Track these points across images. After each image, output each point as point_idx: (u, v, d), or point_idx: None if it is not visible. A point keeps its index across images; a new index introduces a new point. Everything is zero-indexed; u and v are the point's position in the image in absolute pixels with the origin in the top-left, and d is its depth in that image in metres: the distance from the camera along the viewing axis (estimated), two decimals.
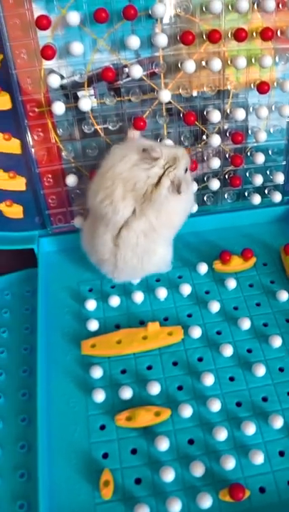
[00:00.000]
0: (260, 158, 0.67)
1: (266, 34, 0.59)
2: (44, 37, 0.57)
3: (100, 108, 0.63)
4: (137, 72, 0.58)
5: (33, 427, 0.52)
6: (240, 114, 0.64)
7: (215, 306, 0.62)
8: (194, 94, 0.64)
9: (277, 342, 0.58)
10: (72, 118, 0.63)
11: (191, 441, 0.51)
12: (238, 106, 0.65)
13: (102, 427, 0.53)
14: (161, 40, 0.57)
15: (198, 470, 0.48)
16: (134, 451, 0.51)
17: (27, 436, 0.53)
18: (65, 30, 0.57)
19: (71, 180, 0.66)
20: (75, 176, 0.66)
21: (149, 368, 0.58)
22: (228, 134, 0.67)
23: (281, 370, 0.57)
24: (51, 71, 0.59)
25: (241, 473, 0.49)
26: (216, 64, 0.59)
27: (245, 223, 0.74)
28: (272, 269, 0.68)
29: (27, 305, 0.67)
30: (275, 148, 0.70)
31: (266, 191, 0.73)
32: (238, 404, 0.54)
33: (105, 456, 0.51)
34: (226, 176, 0.71)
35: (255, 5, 0.59)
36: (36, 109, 0.61)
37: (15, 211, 0.70)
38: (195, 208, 0.69)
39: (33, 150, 0.64)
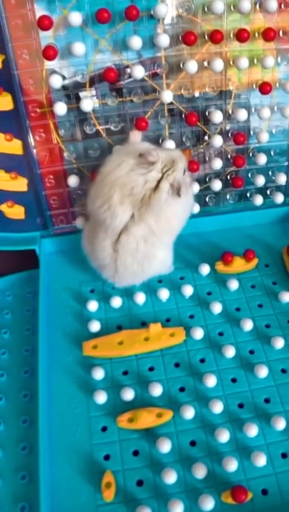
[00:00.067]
0: (262, 159, 0.67)
1: (268, 34, 0.59)
2: (46, 37, 0.57)
3: (101, 109, 0.63)
4: (139, 72, 0.58)
5: (35, 429, 0.52)
6: (242, 114, 0.64)
7: (217, 307, 0.62)
8: (196, 94, 0.64)
9: (279, 343, 0.58)
10: (74, 119, 0.63)
11: (193, 443, 0.51)
12: (240, 106, 0.65)
13: (104, 429, 0.53)
14: (163, 40, 0.57)
15: (200, 472, 0.48)
16: (135, 453, 0.51)
17: (28, 438, 0.53)
18: (66, 30, 0.57)
19: (73, 181, 0.66)
20: (76, 177, 0.66)
21: (151, 369, 0.57)
22: (230, 135, 0.67)
23: (283, 371, 0.56)
24: (53, 71, 0.59)
25: (244, 475, 0.49)
26: (218, 64, 0.59)
27: (247, 224, 0.74)
28: (274, 270, 0.68)
29: (28, 306, 0.67)
30: (277, 149, 0.69)
31: (268, 192, 0.72)
32: (241, 406, 0.54)
33: (107, 457, 0.51)
34: (228, 177, 0.71)
35: (258, 5, 0.59)
36: (38, 110, 0.61)
37: (16, 212, 0.70)
38: (197, 209, 0.69)
39: (34, 151, 0.64)
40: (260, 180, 0.69)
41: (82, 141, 0.65)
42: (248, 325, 0.60)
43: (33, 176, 0.66)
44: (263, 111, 0.64)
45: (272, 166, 0.71)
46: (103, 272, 0.62)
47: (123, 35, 0.58)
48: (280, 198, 0.71)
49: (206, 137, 0.67)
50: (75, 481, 0.49)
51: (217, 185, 0.69)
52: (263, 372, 0.55)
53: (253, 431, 0.50)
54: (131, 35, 0.57)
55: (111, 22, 0.56)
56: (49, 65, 0.58)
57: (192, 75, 0.61)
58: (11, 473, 0.51)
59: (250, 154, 0.69)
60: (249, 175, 0.71)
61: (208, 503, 0.46)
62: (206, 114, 0.65)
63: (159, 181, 0.55)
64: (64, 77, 0.60)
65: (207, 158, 0.69)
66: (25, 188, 0.68)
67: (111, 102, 0.62)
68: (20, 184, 0.67)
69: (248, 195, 0.73)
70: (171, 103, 0.63)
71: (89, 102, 0.60)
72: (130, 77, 0.60)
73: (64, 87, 0.60)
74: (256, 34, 0.60)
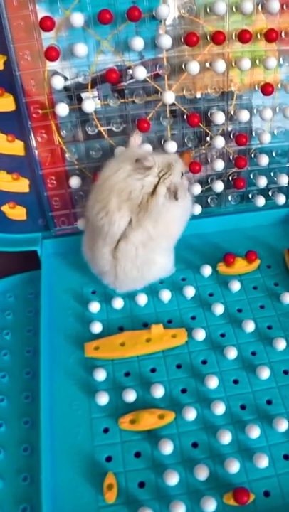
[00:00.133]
0: (264, 160, 0.67)
1: (270, 35, 0.59)
2: (48, 38, 0.57)
3: (103, 110, 0.63)
4: (141, 73, 0.58)
5: (36, 430, 0.52)
6: (244, 115, 0.64)
7: (219, 309, 0.62)
8: (198, 95, 0.64)
9: (281, 345, 0.57)
10: (75, 119, 0.63)
11: (195, 445, 0.51)
12: (242, 107, 0.65)
13: (106, 430, 0.52)
14: (165, 41, 0.57)
15: (202, 473, 0.48)
16: (137, 455, 0.51)
17: (30, 439, 0.53)
18: (68, 31, 0.57)
19: (75, 182, 0.66)
20: (78, 178, 0.66)
21: (153, 370, 0.57)
22: (232, 136, 0.67)
23: (285, 372, 0.56)
24: (55, 72, 0.59)
25: (246, 477, 0.49)
26: (220, 65, 0.59)
27: (249, 225, 0.74)
28: (276, 272, 0.67)
29: (30, 307, 0.67)
30: (279, 150, 0.69)
31: (270, 193, 0.72)
32: (243, 407, 0.54)
33: (109, 459, 0.50)
34: (230, 178, 0.71)
35: (260, 6, 0.59)
36: (40, 111, 0.61)
37: (18, 213, 0.70)
38: (198, 210, 0.69)
39: (36, 152, 0.64)
40: (262, 182, 0.69)
41: (84, 142, 0.65)
42: (249, 326, 0.59)
43: (35, 177, 0.66)
44: (265, 112, 0.64)
45: (274, 167, 0.71)
46: (104, 278, 0.62)
47: (125, 36, 0.58)
48: (282, 199, 0.71)
49: (208, 138, 0.67)
50: (77, 482, 0.49)
51: (219, 186, 0.69)
52: (265, 373, 0.55)
53: (255, 432, 0.50)
54: (133, 36, 0.57)
55: (113, 23, 0.56)
56: (51, 66, 0.58)
57: (194, 76, 0.61)
58: (13, 475, 0.51)
59: (252, 155, 0.69)
60: (251, 176, 0.71)
61: (210, 504, 0.46)
62: (208, 115, 0.65)
63: (156, 186, 0.55)
64: (66, 78, 0.59)
65: (209, 159, 0.68)
66: (26, 189, 0.68)
67: (113, 103, 0.62)
68: (22, 185, 0.67)
69: (250, 196, 0.73)
70: (173, 104, 0.63)
71: (91, 103, 0.60)
72: (132, 78, 0.60)
73: (66, 88, 0.60)
74: (258, 35, 0.60)
